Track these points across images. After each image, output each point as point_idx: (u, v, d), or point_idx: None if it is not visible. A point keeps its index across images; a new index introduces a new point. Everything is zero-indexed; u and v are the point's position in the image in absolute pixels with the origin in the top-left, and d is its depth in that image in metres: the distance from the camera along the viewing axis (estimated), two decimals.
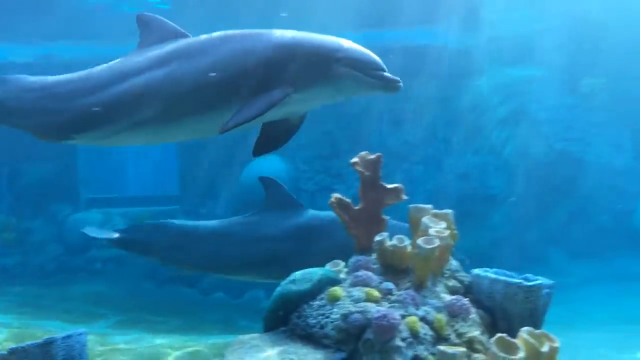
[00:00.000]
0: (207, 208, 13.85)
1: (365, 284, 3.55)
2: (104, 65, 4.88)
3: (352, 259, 3.87)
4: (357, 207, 4.19)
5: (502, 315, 3.53)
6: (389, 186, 4.13)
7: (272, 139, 5.16)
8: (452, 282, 3.77)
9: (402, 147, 13.08)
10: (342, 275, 3.78)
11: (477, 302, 3.64)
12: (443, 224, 3.74)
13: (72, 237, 13.94)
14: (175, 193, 14.87)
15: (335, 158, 13.11)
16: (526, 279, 3.51)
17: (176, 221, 7.22)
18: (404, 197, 4.07)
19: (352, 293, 3.48)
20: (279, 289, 3.66)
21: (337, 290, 3.52)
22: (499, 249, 12.10)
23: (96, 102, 4.65)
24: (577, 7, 13.66)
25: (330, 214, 5.73)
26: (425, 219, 3.77)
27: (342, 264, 3.95)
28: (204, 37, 4.78)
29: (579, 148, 13.25)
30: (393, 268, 3.71)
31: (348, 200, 4.18)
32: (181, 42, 4.75)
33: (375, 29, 13.08)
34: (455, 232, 3.86)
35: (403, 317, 3.34)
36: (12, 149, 13.89)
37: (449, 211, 3.91)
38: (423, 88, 12.80)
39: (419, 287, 3.58)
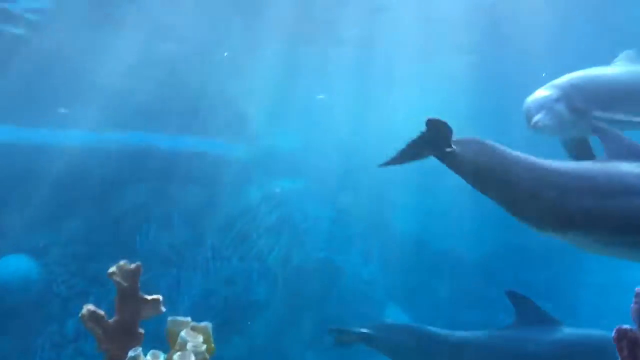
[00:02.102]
0: None
1: None
2: (599, 165, 4.62)
3: None
4: (111, 320, 3.94)
5: None
6: (148, 297, 3.99)
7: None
8: None
9: (169, 251, 12.81)
10: None
11: None
12: (200, 338, 3.70)
13: None
14: None
15: (95, 260, 12.26)
16: None
17: (427, 326, 6.24)
18: (163, 309, 3.95)
19: None
20: None
21: None
22: (257, 355, 12.22)
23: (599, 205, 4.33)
24: (338, 128, 15.29)
25: (597, 333, 5.15)
26: (182, 333, 3.69)
27: None
28: None
29: (335, 258, 14.36)
30: None
31: (102, 312, 3.92)
32: None
33: (145, 131, 13.04)
34: (213, 345, 3.83)
35: None
36: None
37: (208, 324, 3.89)
38: (193, 193, 12.93)
39: None
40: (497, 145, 4.49)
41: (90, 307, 3.89)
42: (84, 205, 12.53)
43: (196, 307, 12.14)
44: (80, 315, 3.82)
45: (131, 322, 3.85)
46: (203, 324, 3.86)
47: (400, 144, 4.40)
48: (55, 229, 12.29)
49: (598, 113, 5.24)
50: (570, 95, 5.36)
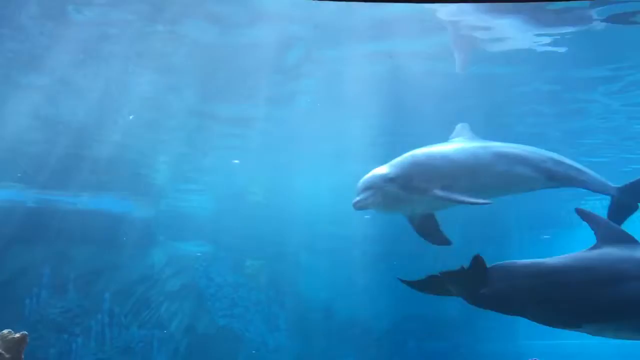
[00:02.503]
0: None
1: None
2: (594, 254, 4.73)
3: None
4: None
5: None
6: None
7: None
8: None
9: (61, 317, 11.98)
10: None
11: None
12: None
13: None
14: None
15: None
16: None
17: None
18: None
19: None
20: None
21: None
22: None
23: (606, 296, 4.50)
24: (251, 193, 15.15)
25: None
26: None
27: None
28: None
29: (240, 325, 13.98)
30: None
31: None
32: None
33: (39, 188, 12.35)
34: None
35: None
36: None
37: None
38: (91, 254, 12.26)
39: None
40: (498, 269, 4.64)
41: None
42: None
43: None
44: None
45: None
46: None
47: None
48: None
49: (438, 192, 5.41)
50: (408, 174, 5.48)
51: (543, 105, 9.88)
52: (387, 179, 5.39)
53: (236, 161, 13.09)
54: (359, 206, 5.38)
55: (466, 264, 4.60)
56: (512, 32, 7.32)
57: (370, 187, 5.40)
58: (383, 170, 5.49)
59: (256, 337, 14.13)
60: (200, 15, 7.18)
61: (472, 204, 5.43)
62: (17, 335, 3.66)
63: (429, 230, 5.81)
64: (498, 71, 8.49)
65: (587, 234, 4.93)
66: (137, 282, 12.90)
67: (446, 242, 5.84)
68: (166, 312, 13.09)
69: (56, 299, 12.07)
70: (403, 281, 4.80)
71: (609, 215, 6.26)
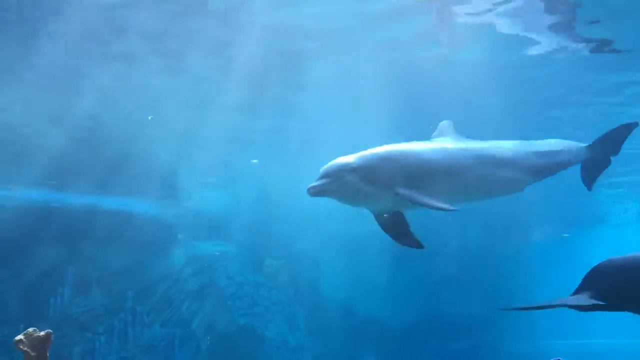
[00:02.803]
0: None
1: None
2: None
3: None
4: None
5: None
6: None
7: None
8: None
9: (85, 316, 12.16)
10: None
11: None
12: None
13: None
14: None
15: (4, 325, 11.46)
16: None
17: None
18: None
19: None
20: None
21: None
22: None
23: None
24: (269, 193, 15.24)
25: None
26: None
27: None
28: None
29: (260, 324, 14.04)
30: None
31: None
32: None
33: (64, 189, 12.54)
34: None
35: None
36: None
37: None
38: (114, 254, 12.43)
39: None
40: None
41: None
42: None
43: None
44: None
45: None
46: None
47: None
48: None
49: (401, 190, 5.08)
50: (373, 167, 5.14)
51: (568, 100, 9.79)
52: (349, 169, 5.07)
53: (255, 160, 13.16)
54: (313, 192, 5.02)
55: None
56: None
57: (330, 174, 5.08)
58: (348, 159, 5.17)
59: (276, 336, 14.17)
60: None
61: (436, 208, 5.11)
62: (42, 333, 3.73)
63: (396, 230, 5.45)
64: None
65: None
66: (159, 281, 13.04)
67: (417, 244, 5.42)
68: (187, 311, 13.20)
69: (80, 298, 12.26)
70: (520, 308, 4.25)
71: (583, 175, 6.25)
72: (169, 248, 13.52)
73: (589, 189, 6.32)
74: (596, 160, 6.17)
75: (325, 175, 5.09)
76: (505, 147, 5.91)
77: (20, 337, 3.68)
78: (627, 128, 6.12)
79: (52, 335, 3.83)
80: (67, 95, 9.21)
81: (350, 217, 15.94)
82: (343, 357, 15.05)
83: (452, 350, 16.39)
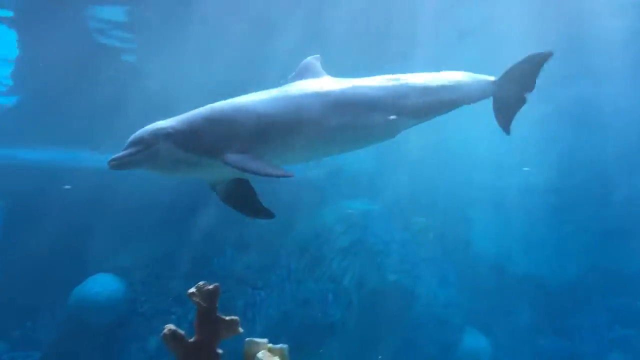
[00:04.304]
0: (25, 330, 12.50)
1: None
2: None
3: None
4: (191, 340, 4.04)
5: None
6: (226, 318, 4.06)
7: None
8: None
9: (245, 272, 13.05)
10: None
11: None
12: (277, 359, 3.73)
13: None
14: None
15: (176, 280, 12.67)
16: None
17: None
18: (240, 330, 4.01)
19: None
20: None
21: None
22: None
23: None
24: (414, 148, 15.11)
25: None
26: (259, 354, 3.74)
27: None
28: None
29: (410, 281, 14.11)
30: None
31: (182, 332, 4.03)
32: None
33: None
34: None
35: None
36: None
37: (284, 346, 3.91)
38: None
39: None
40: None
41: (171, 327, 4.00)
42: (165, 228, 13.02)
43: (272, 328, 12.26)
44: (162, 335, 3.94)
45: (210, 342, 3.93)
46: (279, 346, 3.90)
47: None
48: (138, 250, 12.83)
49: (228, 156, 4.19)
50: (194, 131, 4.26)
51: None
52: (163, 135, 4.22)
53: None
54: (115, 165, 4.17)
55: None
56: None
57: (137, 142, 4.23)
58: (163, 123, 4.34)
59: (426, 292, 14.18)
60: None
61: (270, 175, 4.28)
62: (211, 286, 4.03)
63: (239, 200, 4.77)
64: None
65: None
66: (311, 239, 13.57)
67: (267, 214, 4.84)
68: (338, 268, 13.61)
69: (239, 256, 13.18)
70: None
71: (496, 115, 5.37)
72: (319, 208, 13.97)
73: (507, 132, 5.38)
74: (509, 98, 5.25)
75: (132, 144, 4.24)
76: (372, 85, 4.92)
77: (192, 290, 4.02)
78: (540, 58, 5.16)
79: (220, 289, 4.14)
80: None
81: (504, 167, 15.39)
82: (497, 314, 14.72)
83: (618, 307, 15.30)
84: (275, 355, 3.80)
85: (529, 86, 5.27)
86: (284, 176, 4.28)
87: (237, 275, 12.89)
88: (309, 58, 4.98)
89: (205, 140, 4.23)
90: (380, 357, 13.01)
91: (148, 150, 4.16)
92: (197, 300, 3.99)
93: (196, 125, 4.27)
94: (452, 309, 14.27)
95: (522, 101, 5.35)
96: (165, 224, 12.92)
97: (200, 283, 4.11)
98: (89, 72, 12.76)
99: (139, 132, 4.23)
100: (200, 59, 11.25)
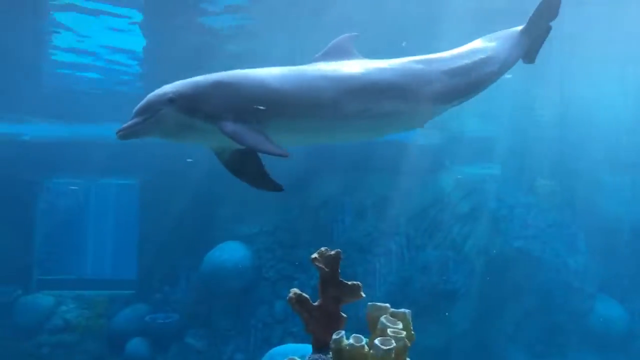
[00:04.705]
0: (164, 294, 13.54)
1: None
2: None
3: (309, 357, 3.82)
4: (315, 303, 4.17)
5: None
6: (349, 283, 4.15)
7: None
8: None
9: (363, 239, 13.19)
10: None
11: None
12: (400, 325, 3.75)
13: (21, 320, 13.38)
14: (133, 277, 14.52)
15: (297, 247, 13.11)
16: None
17: None
18: (362, 295, 4.08)
19: None
20: None
21: None
22: (456, 345, 12.04)
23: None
24: (528, 114, 14.44)
25: None
26: (382, 319, 3.78)
27: None
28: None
29: (536, 247, 13.55)
30: None
31: (307, 295, 4.17)
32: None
33: None
34: (413, 332, 3.86)
35: None
36: None
37: (407, 311, 3.92)
38: (385, 181, 13.13)
39: None
40: None
41: (296, 290, 4.16)
42: (286, 196, 13.43)
43: (392, 295, 12.36)
44: (287, 298, 4.11)
45: (333, 306, 4.04)
46: (402, 310, 3.92)
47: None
48: (262, 218, 13.38)
49: (227, 124, 4.00)
50: (198, 95, 4.12)
51: None
52: (165, 100, 4.11)
53: (509, 76, 12.46)
54: (122, 135, 4.07)
55: None
56: None
57: (143, 111, 4.13)
58: (166, 88, 4.21)
59: (554, 259, 13.55)
60: None
61: (264, 151, 4.10)
62: (333, 252, 4.12)
63: (245, 170, 4.49)
64: None
65: None
66: (429, 206, 13.40)
67: (275, 187, 4.62)
68: (459, 235, 13.37)
69: (358, 223, 13.33)
70: None
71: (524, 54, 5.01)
72: (437, 173, 13.74)
73: (532, 62, 5.09)
74: (537, 35, 4.97)
75: (137, 113, 4.15)
76: (397, 69, 4.47)
77: (315, 255, 4.14)
78: None
79: (341, 254, 4.22)
80: None
81: (633, 127, 14.24)
82: (632, 281, 13.82)
83: None
84: (398, 319, 3.82)
85: (554, 15, 4.98)
86: (279, 155, 4.11)
87: (357, 243, 13.07)
88: (342, 36, 4.69)
89: (207, 105, 4.14)
90: (505, 324, 12.74)
91: (153, 118, 4.12)
92: (320, 265, 4.11)
93: (201, 89, 4.20)
94: (583, 276, 13.54)
95: (548, 30, 5.09)
96: (288, 193, 13.31)
97: (322, 249, 4.22)
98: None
99: (144, 100, 4.20)
100: None
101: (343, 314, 4.09)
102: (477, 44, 4.91)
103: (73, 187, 17.32)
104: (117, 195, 22.45)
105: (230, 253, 12.83)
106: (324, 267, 4.09)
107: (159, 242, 13.57)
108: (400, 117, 4.52)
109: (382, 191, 13.16)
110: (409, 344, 3.79)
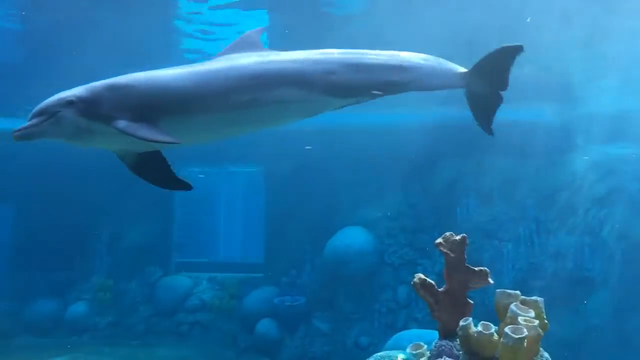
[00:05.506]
0: (290, 277, 14.00)
1: None
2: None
3: (435, 344, 3.77)
4: (441, 289, 4.11)
5: None
6: (476, 269, 4.03)
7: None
8: None
9: (489, 224, 12.76)
10: None
11: None
12: (532, 313, 3.58)
13: (162, 299, 14.47)
14: (261, 261, 15.16)
15: (421, 232, 12.96)
16: None
17: None
18: (490, 281, 3.95)
19: None
20: None
21: None
22: (595, 337, 11.31)
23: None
24: None
25: None
26: (513, 306, 3.63)
27: (425, 347, 3.85)
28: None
29: None
30: (478, 356, 3.56)
31: (432, 281, 4.12)
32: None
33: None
34: (546, 322, 3.67)
35: None
36: (113, 213, 14.82)
37: (539, 299, 3.74)
38: (511, 164, 12.58)
39: None
40: None
41: (421, 275, 4.12)
42: (408, 181, 13.33)
43: (521, 282, 11.86)
44: (412, 283, 4.08)
45: (460, 291, 3.95)
46: (534, 298, 3.74)
47: None
48: (383, 203, 13.38)
49: (120, 123, 4.10)
50: (96, 98, 4.17)
51: None
52: (65, 102, 4.14)
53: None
54: (19, 136, 4.07)
55: None
56: None
57: (42, 112, 4.14)
58: (68, 92, 4.23)
59: None
60: None
61: (156, 141, 4.11)
62: (458, 237, 4.03)
63: (152, 172, 4.54)
64: None
65: None
66: (559, 188, 12.66)
67: (184, 186, 4.56)
68: (594, 219, 12.51)
69: (483, 207, 12.91)
70: None
71: (474, 115, 4.90)
72: (568, 154, 12.93)
73: (488, 133, 4.97)
74: (485, 97, 4.76)
75: (35, 114, 4.17)
76: (292, 59, 4.49)
77: (440, 240, 4.07)
78: (510, 52, 4.53)
79: (467, 239, 4.11)
80: None
81: None
82: None
83: None
84: (529, 307, 3.65)
85: (502, 83, 4.75)
86: (171, 143, 4.18)
87: (481, 227, 12.67)
88: (250, 31, 4.80)
89: (103, 108, 4.27)
90: None
91: (51, 119, 4.21)
92: (445, 250, 4.03)
93: (97, 92, 4.31)
94: None
95: (499, 99, 4.84)
96: (409, 177, 13.23)
97: (447, 234, 4.13)
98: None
99: (42, 103, 4.30)
100: None
101: (470, 300, 3.99)
102: (405, 54, 4.81)
103: (201, 176, 18.34)
104: (245, 182, 23.52)
105: (352, 238, 12.97)
106: (449, 252, 4.01)
107: (283, 227, 14.03)
108: (290, 106, 4.55)
109: (509, 174, 12.62)
110: (542, 334, 3.61)
